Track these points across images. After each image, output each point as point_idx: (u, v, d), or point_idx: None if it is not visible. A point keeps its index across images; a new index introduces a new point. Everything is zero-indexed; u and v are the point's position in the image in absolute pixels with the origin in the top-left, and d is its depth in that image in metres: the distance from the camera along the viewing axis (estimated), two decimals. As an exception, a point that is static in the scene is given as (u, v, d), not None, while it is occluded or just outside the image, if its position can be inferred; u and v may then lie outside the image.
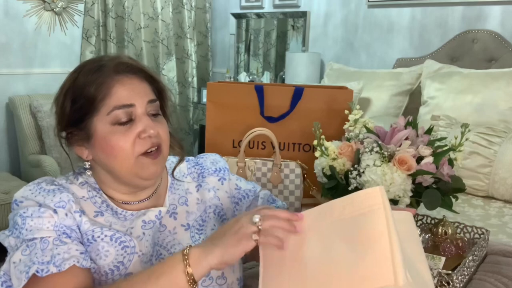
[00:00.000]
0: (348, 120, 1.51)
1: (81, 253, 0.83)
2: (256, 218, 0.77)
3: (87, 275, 0.83)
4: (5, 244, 0.84)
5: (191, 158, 1.09)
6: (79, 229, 0.86)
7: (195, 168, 1.06)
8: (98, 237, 0.87)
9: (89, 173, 0.91)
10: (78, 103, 0.86)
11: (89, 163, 0.91)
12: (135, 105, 0.87)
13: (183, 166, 1.04)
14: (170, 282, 0.76)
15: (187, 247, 0.79)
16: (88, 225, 0.86)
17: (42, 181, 0.88)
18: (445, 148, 1.27)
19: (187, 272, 0.76)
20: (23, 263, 0.79)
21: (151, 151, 0.88)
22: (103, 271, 0.86)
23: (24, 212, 0.83)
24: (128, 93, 0.86)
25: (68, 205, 0.85)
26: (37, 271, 0.77)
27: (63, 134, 0.90)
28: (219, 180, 1.05)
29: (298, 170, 1.56)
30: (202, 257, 0.77)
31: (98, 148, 0.87)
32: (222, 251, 0.76)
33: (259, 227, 0.77)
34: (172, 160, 1.03)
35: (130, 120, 0.87)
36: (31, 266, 0.77)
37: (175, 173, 1.02)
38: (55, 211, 0.84)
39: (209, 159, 1.08)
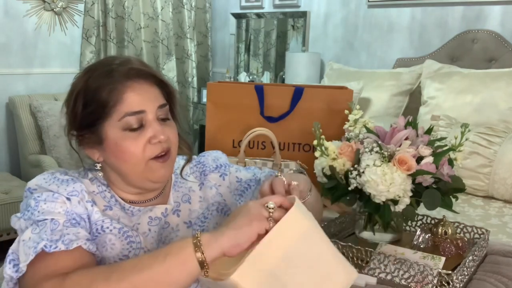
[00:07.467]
0: (348, 120, 1.51)
1: (88, 239, 0.84)
2: (271, 204, 0.77)
3: (92, 258, 0.83)
4: (16, 226, 0.85)
5: (193, 157, 1.09)
6: (89, 218, 0.88)
7: (197, 167, 1.07)
8: (107, 227, 0.88)
9: (100, 174, 0.93)
10: (90, 107, 0.87)
11: (99, 164, 0.92)
12: (146, 111, 0.88)
13: (186, 165, 1.05)
14: (179, 262, 0.74)
15: (198, 232, 0.77)
16: (99, 215, 0.88)
17: (56, 171, 0.90)
18: (445, 148, 1.27)
19: (198, 253, 0.73)
20: (32, 240, 0.79)
21: (161, 155, 0.89)
22: (108, 262, 0.87)
23: (38, 196, 0.85)
24: (139, 100, 0.88)
25: (81, 195, 0.87)
26: (45, 246, 0.78)
27: (74, 133, 0.91)
28: (220, 176, 1.06)
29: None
30: (213, 240, 0.75)
31: (109, 152, 0.89)
32: (235, 231, 0.75)
33: (271, 213, 0.77)
34: (178, 160, 1.04)
35: (140, 126, 0.88)
36: (40, 242, 0.78)
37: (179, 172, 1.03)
38: (68, 199, 0.86)
39: (211, 156, 1.09)
